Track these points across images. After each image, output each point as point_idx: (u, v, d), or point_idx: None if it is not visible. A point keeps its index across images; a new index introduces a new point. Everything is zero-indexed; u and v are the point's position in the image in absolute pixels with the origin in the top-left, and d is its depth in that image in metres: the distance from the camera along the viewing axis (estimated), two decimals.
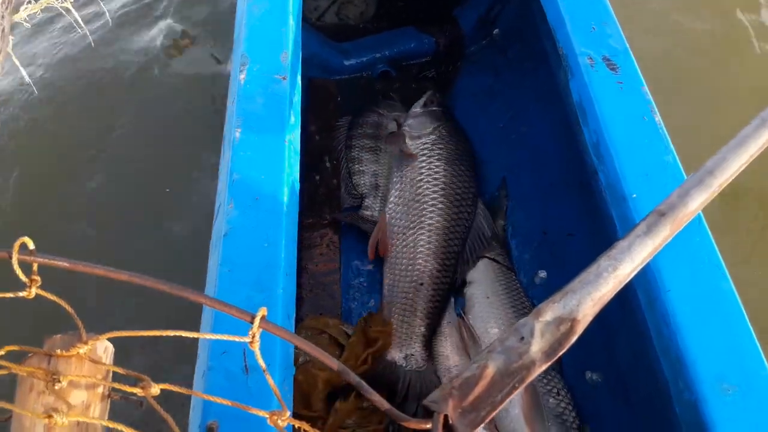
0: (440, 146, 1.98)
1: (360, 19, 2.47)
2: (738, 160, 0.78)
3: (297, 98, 1.28)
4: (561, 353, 0.72)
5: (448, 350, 1.76)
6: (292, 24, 1.33)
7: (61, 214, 2.30)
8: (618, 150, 1.14)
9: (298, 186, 1.18)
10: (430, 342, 1.73)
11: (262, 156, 1.12)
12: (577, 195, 1.78)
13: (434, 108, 2.10)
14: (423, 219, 1.85)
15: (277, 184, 1.09)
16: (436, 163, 1.94)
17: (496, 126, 2.17)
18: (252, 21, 1.32)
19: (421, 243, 1.82)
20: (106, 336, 0.76)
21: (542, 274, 1.84)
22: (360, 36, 2.43)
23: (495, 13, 2.34)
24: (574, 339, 0.73)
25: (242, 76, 1.22)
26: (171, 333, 0.73)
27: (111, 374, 0.80)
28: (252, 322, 0.73)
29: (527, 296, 1.80)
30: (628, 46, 1.28)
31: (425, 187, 1.90)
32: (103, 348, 0.77)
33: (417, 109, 2.10)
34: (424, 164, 1.94)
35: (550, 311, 0.74)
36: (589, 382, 1.60)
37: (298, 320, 1.77)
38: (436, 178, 1.92)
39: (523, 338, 0.73)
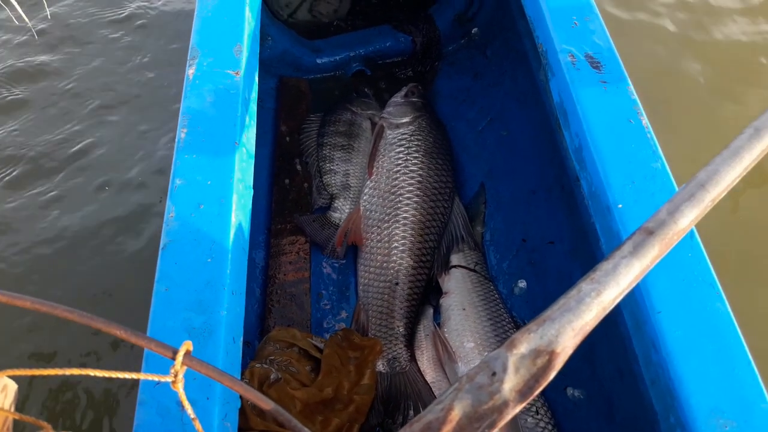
0: (419, 137, 1.93)
1: (334, 16, 2.38)
2: (732, 172, 0.70)
3: (253, 96, 1.17)
4: (537, 392, 0.63)
5: (425, 365, 1.67)
6: (249, 15, 1.21)
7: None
8: (602, 156, 1.04)
9: (251, 193, 1.06)
10: (411, 341, 1.67)
11: (208, 159, 1.00)
12: (558, 201, 1.70)
13: (415, 99, 2.04)
14: (398, 212, 1.79)
15: (225, 190, 0.97)
16: (414, 155, 1.88)
17: (475, 130, 2.10)
18: (204, 11, 1.20)
19: (396, 238, 1.75)
20: (3, 374, 0.64)
21: (522, 283, 1.76)
22: (334, 34, 2.35)
23: (474, 10, 2.26)
24: (552, 375, 0.63)
25: (191, 71, 1.10)
26: (77, 371, 0.62)
27: (12, 409, 0.69)
28: (174, 359, 0.62)
29: (506, 307, 1.72)
30: (612, 43, 1.19)
31: (401, 178, 1.84)
32: (1, 386, 0.66)
33: (397, 98, 2.05)
34: (401, 155, 1.88)
35: (526, 342, 0.65)
36: (570, 399, 1.51)
37: (265, 331, 1.67)
38: (412, 170, 1.86)
39: (494, 374, 0.64)
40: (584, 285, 0.64)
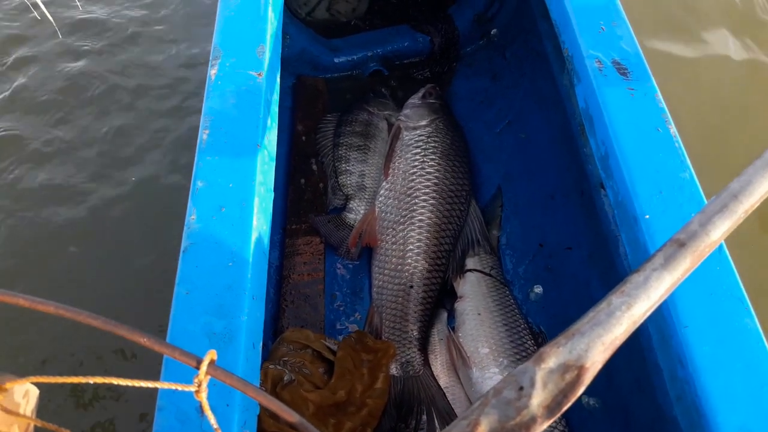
0: (435, 139, 1.91)
1: (352, 15, 2.36)
2: (765, 182, 0.67)
3: (274, 97, 1.16)
4: (565, 408, 0.61)
5: (438, 369, 1.66)
6: (271, 16, 1.20)
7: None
8: (629, 164, 1.02)
9: (271, 196, 1.05)
10: (425, 345, 1.66)
11: (230, 161, 0.99)
12: (577, 206, 1.68)
13: (432, 101, 2.02)
14: (413, 214, 1.78)
15: (247, 193, 0.97)
16: (431, 157, 1.87)
17: (492, 131, 2.08)
18: (227, 11, 1.19)
19: (411, 240, 1.74)
20: (26, 380, 0.63)
21: (538, 289, 1.75)
22: (352, 33, 2.33)
23: (493, 11, 2.24)
24: (581, 391, 0.61)
25: (213, 72, 1.10)
26: (100, 380, 0.61)
27: (34, 415, 0.68)
28: (198, 368, 0.61)
29: (521, 313, 1.70)
30: (640, 48, 1.17)
31: (417, 180, 1.83)
32: (23, 392, 0.65)
33: (415, 100, 2.04)
34: (417, 157, 1.87)
35: (554, 356, 0.63)
36: (586, 408, 1.49)
37: (279, 332, 1.66)
38: (429, 172, 1.85)
39: (522, 388, 0.62)
40: (614, 298, 0.62)
